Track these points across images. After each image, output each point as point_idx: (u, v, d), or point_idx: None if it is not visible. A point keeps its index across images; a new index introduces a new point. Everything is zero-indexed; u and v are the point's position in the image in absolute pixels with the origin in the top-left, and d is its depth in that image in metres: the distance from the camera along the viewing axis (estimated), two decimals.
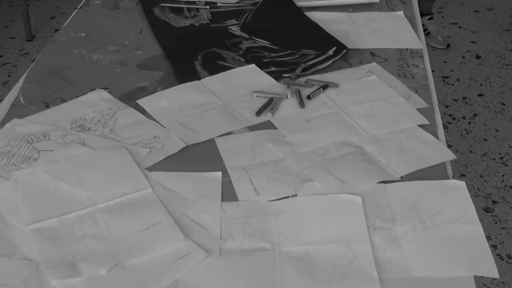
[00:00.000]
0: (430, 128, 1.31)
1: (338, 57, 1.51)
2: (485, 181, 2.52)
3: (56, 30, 3.56)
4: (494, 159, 2.65)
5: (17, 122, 1.28)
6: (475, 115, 2.92)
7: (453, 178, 1.18)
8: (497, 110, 2.96)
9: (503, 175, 2.56)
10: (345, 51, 1.53)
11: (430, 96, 1.42)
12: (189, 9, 1.74)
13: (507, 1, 3.96)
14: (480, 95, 3.07)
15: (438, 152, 1.24)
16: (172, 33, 1.63)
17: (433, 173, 1.19)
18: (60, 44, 1.57)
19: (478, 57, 3.39)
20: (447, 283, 0.97)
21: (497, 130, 2.82)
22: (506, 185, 2.51)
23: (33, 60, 3.12)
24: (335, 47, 1.53)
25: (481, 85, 3.14)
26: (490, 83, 3.15)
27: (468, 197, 1.13)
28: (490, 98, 3.04)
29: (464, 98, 3.03)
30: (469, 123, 2.84)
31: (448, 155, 1.24)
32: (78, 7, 1.76)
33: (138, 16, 1.71)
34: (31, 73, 1.46)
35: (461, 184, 1.15)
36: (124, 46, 1.57)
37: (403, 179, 1.17)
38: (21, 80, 1.43)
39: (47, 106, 1.34)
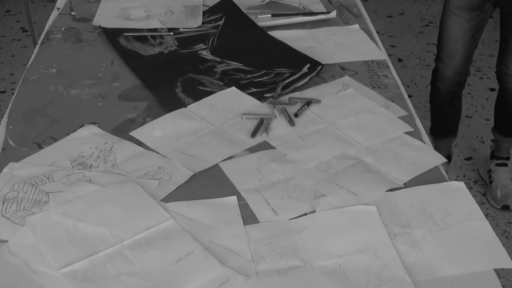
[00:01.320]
0: (415, 134, 1.38)
1: (314, 73, 1.56)
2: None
3: None
4: None
5: (15, 166, 1.25)
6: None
7: None
8: (427, 109, 3.11)
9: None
10: (320, 67, 1.58)
11: (406, 104, 1.50)
12: (153, 37, 1.74)
13: (416, 5, 4.18)
14: (409, 96, 3.21)
15: (430, 156, 1.32)
16: (144, 62, 1.63)
17: (430, 176, 1.26)
18: (33, 82, 1.54)
19: (400, 60, 3.56)
20: (472, 278, 1.04)
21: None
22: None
23: None
24: (309, 64, 1.59)
25: (408, 86, 3.30)
26: (415, 83, 3.32)
27: (470, 196, 1.21)
28: (419, 99, 3.20)
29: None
30: None
31: (439, 159, 1.31)
32: (39, 42, 1.73)
33: (104, 47, 1.69)
34: (12, 113, 1.42)
35: (461, 184, 1.23)
36: (99, 78, 1.56)
37: (406, 185, 1.23)
38: (3, 123, 1.39)
39: (40, 146, 1.31)
